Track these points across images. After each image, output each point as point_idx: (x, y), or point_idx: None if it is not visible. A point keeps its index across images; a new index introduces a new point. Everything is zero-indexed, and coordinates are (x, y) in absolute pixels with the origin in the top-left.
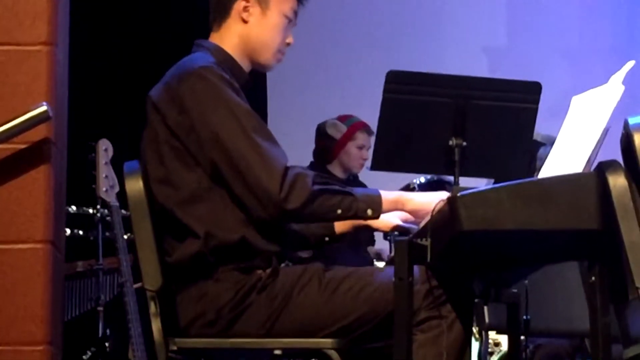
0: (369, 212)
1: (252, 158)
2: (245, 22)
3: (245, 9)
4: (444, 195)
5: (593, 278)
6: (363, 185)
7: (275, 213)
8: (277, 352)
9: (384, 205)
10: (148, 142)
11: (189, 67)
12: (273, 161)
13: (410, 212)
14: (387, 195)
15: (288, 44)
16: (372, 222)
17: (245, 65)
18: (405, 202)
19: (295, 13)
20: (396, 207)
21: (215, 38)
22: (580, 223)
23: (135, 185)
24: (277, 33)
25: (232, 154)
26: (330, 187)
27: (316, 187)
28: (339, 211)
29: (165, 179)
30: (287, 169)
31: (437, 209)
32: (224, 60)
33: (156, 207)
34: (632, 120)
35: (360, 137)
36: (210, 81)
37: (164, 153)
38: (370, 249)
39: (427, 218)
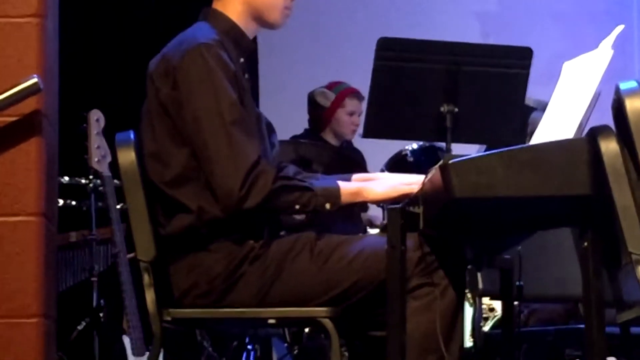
0: (327, 205)
1: (222, 150)
2: None
3: None
4: (406, 177)
5: (586, 244)
6: (357, 152)
7: (231, 209)
8: (271, 321)
9: (343, 198)
10: (145, 113)
11: (190, 41)
12: (242, 156)
13: (372, 202)
14: (347, 187)
15: None
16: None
17: (252, 30)
18: (365, 193)
19: None
20: (356, 198)
21: (218, 4)
22: (572, 189)
23: (127, 157)
24: None
25: (206, 141)
26: (289, 182)
27: (277, 183)
28: (297, 207)
29: (156, 155)
30: (253, 166)
31: (429, 176)
32: (229, 30)
33: (148, 180)
34: (623, 86)
35: (350, 104)
36: (206, 62)
37: (155, 126)
38: (363, 215)
39: (420, 185)
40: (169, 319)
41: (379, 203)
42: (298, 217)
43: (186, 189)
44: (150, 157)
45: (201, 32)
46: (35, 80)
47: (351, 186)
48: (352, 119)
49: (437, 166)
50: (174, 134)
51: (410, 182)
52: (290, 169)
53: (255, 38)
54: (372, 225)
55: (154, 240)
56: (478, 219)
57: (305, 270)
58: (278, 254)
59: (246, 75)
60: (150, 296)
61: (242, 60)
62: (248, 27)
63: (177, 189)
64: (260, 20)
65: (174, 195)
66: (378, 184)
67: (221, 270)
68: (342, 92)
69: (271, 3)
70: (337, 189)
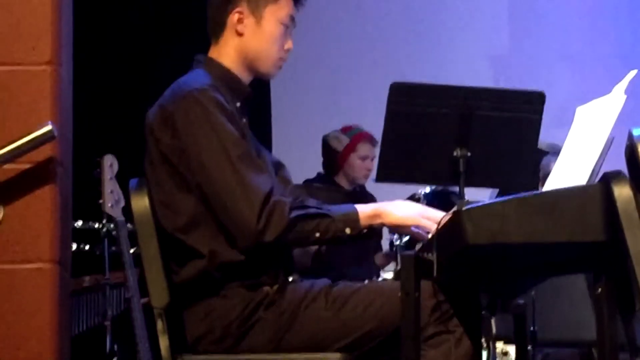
0: (347, 230)
1: (232, 186)
2: (240, 34)
3: (240, 20)
4: (424, 208)
5: (600, 289)
6: (370, 196)
7: (252, 244)
8: None
9: (362, 221)
10: (147, 164)
11: (184, 89)
12: (254, 190)
13: (389, 226)
14: (365, 210)
15: (287, 50)
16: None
17: (246, 77)
18: (384, 215)
19: (292, 18)
20: (374, 220)
21: (213, 52)
22: (586, 235)
23: (141, 203)
24: (274, 42)
25: (215, 182)
26: (307, 211)
27: (294, 213)
28: (317, 234)
29: (165, 202)
30: (266, 198)
31: (442, 222)
32: (222, 76)
33: (159, 226)
34: (636, 132)
35: (363, 148)
36: (202, 105)
37: (160, 176)
38: (377, 255)
39: (433, 232)
40: None
41: (395, 231)
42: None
43: (197, 234)
44: (160, 205)
45: (195, 78)
46: (49, 127)
47: (369, 208)
48: (364, 164)
49: (450, 212)
50: (179, 182)
51: (430, 216)
52: (309, 201)
53: (251, 83)
54: (386, 261)
55: (167, 286)
56: (492, 265)
57: (320, 317)
58: (293, 300)
59: (244, 120)
60: (164, 342)
61: (238, 104)
62: (242, 75)
63: (188, 235)
64: (252, 69)
65: (186, 241)
66: (397, 207)
67: (236, 316)
68: (356, 136)
69: (264, 53)
70: (355, 212)
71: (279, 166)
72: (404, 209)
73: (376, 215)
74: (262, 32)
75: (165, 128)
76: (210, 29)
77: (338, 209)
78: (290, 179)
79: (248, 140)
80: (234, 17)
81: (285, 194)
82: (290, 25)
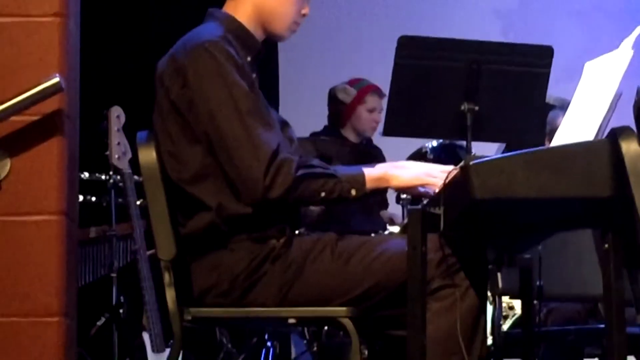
0: (353, 192)
1: (241, 141)
2: None
3: None
4: (431, 168)
5: (606, 245)
6: (377, 149)
7: (259, 200)
8: (292, 321)
9: (368, 184)
10: (157, 115)
11: (196, 40)
12: (262, 146)
13: (396, 189)
14: (372, 173)
15: (304, 15)
16: (394, 184)
17: (259, 35)
18: (390, 178)
19: None
20: (380, 184)
21: (229, 7)
22: (593, 190)
23: (148, 156)
24: (293, 4)
25: (224, 134)
26: (313, 170)
27: (300, 171)
28: (323, 194)
29: (173, 153)
30: (274, 154)
31: (450, 177)
32: (235, 30)
33: (167, 177)
34: None
35: (371, 101)
36: (214, 57)
37: (169, 126)
38: (383, 212)
39: (438, 189)
40: (189, 318)
41: (401, 191)
42: (316, 208)
43: (205, 186)
44: (168, 155)
45: (207, 30)
46: (57, 79)
47: (376, 172)
48: (372, 116)
49: (458, 167)
50: (187, 133)
51: (435, 175)
52: (314, 161)
53: (264, 41)
54: (392, 223)
55: (174, 238)
56: (499, 220)
57: (327, 270)
58: (300, 253)
59: (254, 75)
60: (170, 295)
61: (249, 58)
62: (255, 32)
63: (195, 186)
64: (266, 29)
65: (193, 193)
66: (403, 171)
67: (243, 269)
68: (364, 88)
69: (281, 14)
70: (362, 174)
71: (284, 125)
72: (409, 171)
73: (382, 179)
74: None
75: (176, 78)
76: None
77: (344, 170)
78: (295, 138)
79: (257, 95)
80: None
81: (291, 152)
82: None
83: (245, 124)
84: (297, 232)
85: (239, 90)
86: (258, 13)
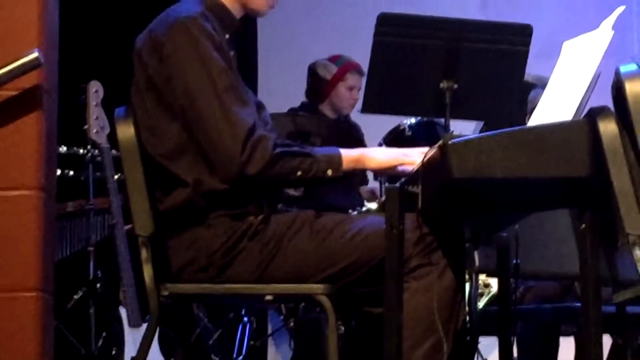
0: (329, 172)
1: (217, 118)
2: None
3: None
4: (407, 151)
5: (583, 225)
6: (355, 126)
7: (235, 176)
8: (269, 297)
9: (345, 164)
10: (135, 90)
11: (174, 16)
12: (238, 123)
13: (373, 170)
14: (349, 154)
15: None
16: (372, 166)
17: (237, 11)
18: (367, 160)
19: None
20: (357, 165)
21: None
22: (571, 170)
23: (126, 132)
24: None
25: (200, 111)
26: (290, 149)
27: (278, 149)
28: (299, 173)
29: (151, 128)
30: (251, 131)
31: (427, 155)
32: (213, 6)
33: (145, 152)
34: (623, 68)
35: (351, 78)
36: (191, 33)
37: (147, 101)
38: (362, 188)
39: (418, 165)
40: (166, 294)
41: (378, 172)
42: (294, 192)
43: (182, 162)
44: (146, 130)
45: (186, 6)
46: (35, 54)
47: (352, 153)
48: (351, 94)
49: (436, 146)
50: (164, 108)
51: (412, 155)
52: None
53: (241, 18)
54: (373, 197)
55: (152, 215)
56: (476, 199)
57: (304, 247)
58: (277, 230)
59: (232, 52)
60: (147, 271)
61: (227, 36)
62: (233, 9)
63: (173, 162)
64: (244, 4)
65: (170, 169)
66: (380, 151)
67: (220, 246)
68: (344, 65)
69: None
70: (339, 155)
71: (259, 107)
72: (386, 152)
73: (359, 160)
74: None
75: (154, 53)
76: None
77: (321, 150)
78: (270, 121)
79: (234, 72)
80: None
81: (268, 130)
82: None
83: (221, 101)
84: (275, 208)
85: (216, 67)
86: None
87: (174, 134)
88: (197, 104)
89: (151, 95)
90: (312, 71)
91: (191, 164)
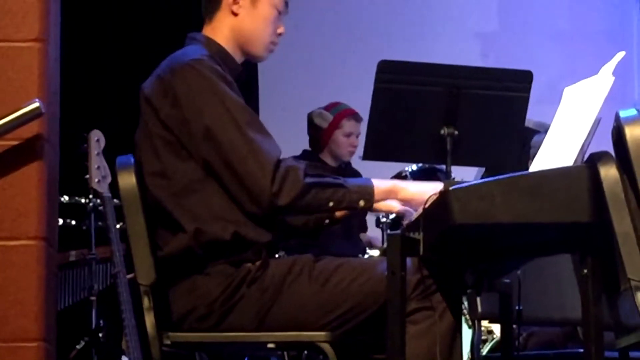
0: (362, 202)
1: (244, 152)
2: (235, 14)
3: (235, 1)
4: (438, 185)
5: (585, 270)
6: (356, 173)
7: (267, 208)
8: (270, 345)
9: (377, 195)
10: (142, 136)
11: (181, 59)
12: (265, 155)
13: (403, 201)
14: (380, 185)
15: (280, 34)
16: (403, 196)
17: (238, 57)
18: (398, 191)
19: (286, 3)
20: (389, 196)
21: (207, 30)
22: (572, 216)
23: (128, 180)
24: (268, 25)
25: (225, 147)
26: (322, 179)
27: (308, 179)
28: (331, 204)
29: (160, 172)
30: (279, 162)
31: (429, 202)
32: (217, 52)
33: (149, 199)
34: (623, 113)
35: (347, 125)
36: (202, 74)
37: (158, 146)
38: (362, 235)
39: (420, 211)
40: (168, 342)
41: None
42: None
43: (189, 202)
44: (153, 175)
45: (191, 50)
46: (37, 104)
47: (385, 184)
48: (349, 140)
49: (437, 192)
50: (179, 150)
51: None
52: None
53: (244, 63)
54: (372, 247)
55: (153, 263)
56: (478, 245)
57: (304, 292)
58: (276, 276)
59: None
60: (149, 320)
61: (230, 78)
62: (235, 54)
63: (179, 201)
64: (244, 50)
65: (173, 211)
66: (411, 184)
67: (219, 293)
68: (340, 113)
69: (257, 35)
70: (371, 185)
71: None
72: (416, 184)
73: (391, 191)
74: (256, 14)
75: (165, 98)
76: (204, 8)
77: (353, 181)
78: None
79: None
80: None
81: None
82: (283, 11)
83: (245, 136)
84: (274, 253)
85: (233, 103)
86: (235, 35)
87: (187, 172)
88: (221, 141)
89: (163, 139)
90: (310, 120)
91: (196, 208)
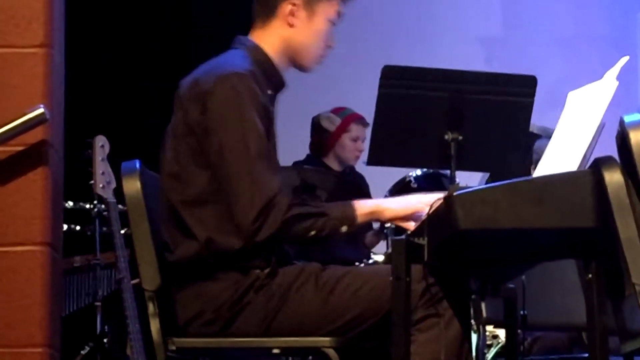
0: (344, 228)
1: (243, 184)
2: (290, 25)
3: (292, 12)
4: (420, 196)
5: (590, 275)
6: (361, 178)
7: (244, 241)
8: (276, 351)
9: (359, 218)
10: (170, 133)
11: (223, 69)
12: (262, 191)
13: (389, 221)
14: (363, 208)
15: (329, 47)
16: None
17: (284, 67)
18: (382, 210)
19: (339, 14)
20: (372, 217)
21: (257, 35)
22: (576, 221)
23: (132, 186)
24: (321, 38)
25: (229, 170)
26: (303, 210)
27: (290, 213)
28: (313, 232)
29: (178, 175)
30: (271, 199)
31: (433, 207)
32: (262, 63)
33: (164, 200)
34: (627, 118)
35: (355, 129)
36: (237, 92)
37: (180, 149)
38: (367, 234)
39: (424, 217)
40: (173, 348)
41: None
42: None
43: (203, 211)
44: (170, 177)
45: (236, 59)
46: (41, 110)
47: (366, 205)
48: (356, 145)
49: (441, 197)
50: (198, 155)
51: (427, 201)
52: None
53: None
54: (376, 240)
55: (158, 269)
56: (482, 250)
57: (310, 300)
58: (283, 283)
59: (272, 108)
60: (154, 325)
61: (269, 92)
62: (281, 64)
63: (192, 210)
64: (293, 61)
65: (187, 219)
66: (394, 201)
67: (226, 299)
68: (348, 117)
69: (310, 48)
70: (353, 210)
71: None
72: (399, 201)
73: (374, 212)
74: (312, 27)
75: (196, 103)
76: (257, 12)
77: (335, 206)
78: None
79: (272, 135)
80: (286, 7)
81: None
82: (336, 23)
83: (251, 168)
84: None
85: (253, 129)
86: (286, 46)
87: (202, 182)
88: (228, 161)
89: (186, 142)
90: (316, 124)
91: (208, 218)
